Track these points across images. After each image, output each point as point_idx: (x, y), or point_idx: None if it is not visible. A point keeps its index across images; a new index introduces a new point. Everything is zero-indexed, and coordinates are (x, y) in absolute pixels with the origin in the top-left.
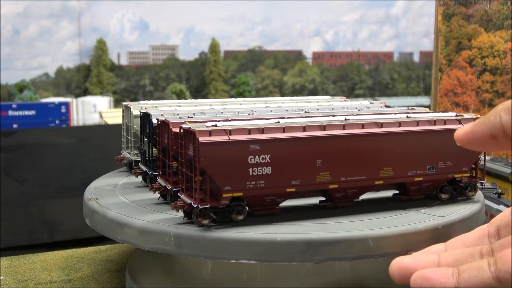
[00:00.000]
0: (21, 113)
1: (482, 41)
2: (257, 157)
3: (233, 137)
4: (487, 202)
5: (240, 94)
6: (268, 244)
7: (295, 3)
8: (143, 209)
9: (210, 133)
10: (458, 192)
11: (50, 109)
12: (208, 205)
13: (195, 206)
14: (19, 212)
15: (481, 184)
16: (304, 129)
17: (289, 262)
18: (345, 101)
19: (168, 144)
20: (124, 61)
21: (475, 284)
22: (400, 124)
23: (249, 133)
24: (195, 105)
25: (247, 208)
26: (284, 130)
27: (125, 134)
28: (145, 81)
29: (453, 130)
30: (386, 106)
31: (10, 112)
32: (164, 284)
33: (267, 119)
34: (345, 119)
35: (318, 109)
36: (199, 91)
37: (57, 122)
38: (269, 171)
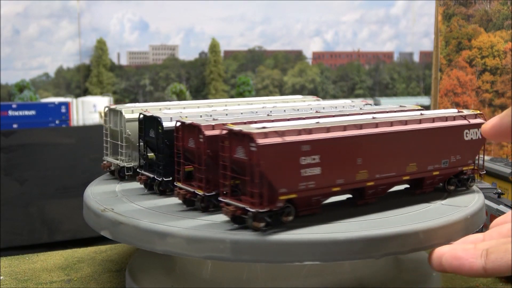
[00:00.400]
0: (21, 113)
1: (482, 41)
2: (308, 157)
3: (287, 138)
4: (487, 202)
5: (240, 94)
6: (330, 243)
7: (295, 3)
8: (170, 216)
9: (266, 135)
10: (461, 183)
11: (50, 109)
12: (267, 209)
13: (251, 210)
14: (19, 212)
15: (481, 175)
16: (345, 128)
17: (350, 260)
18: (318, 100)
19: (197, 148)
20: (124, 61)
21: (500, 266)
22: (420, 121)
23: (299, 134)
24: (184, 107)
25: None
26: (328, 130)
27: (109, 139)
28: (145, 81)
29: (461, 126)
30: (367, 104)
31: (10, 112)
32: (164, 284)
33: (303, 118)
34: (373, 118)
35: (311, 108)
36: (199, 91)
37: (57, 122)
38: (318, 172)
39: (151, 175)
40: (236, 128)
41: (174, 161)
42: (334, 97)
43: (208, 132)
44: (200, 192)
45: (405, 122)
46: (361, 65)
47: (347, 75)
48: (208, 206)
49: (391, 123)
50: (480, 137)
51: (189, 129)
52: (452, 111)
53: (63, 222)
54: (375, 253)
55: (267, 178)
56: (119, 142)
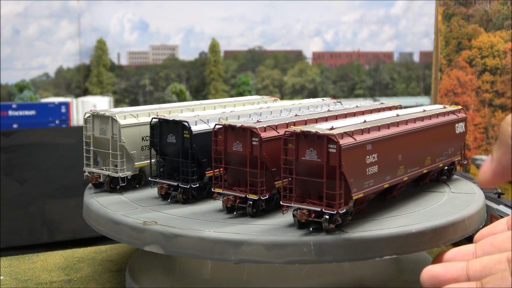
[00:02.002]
0: (21, 113)
1: (482, 41)
2: (370, 156)
3: (358, 138)
4: (487, 202)
5: (240, 94)
6: (405, 236)
7: (295, 3)
8: (223, 223)
9: (343, 135)
10: (450, 173)
11: (50, 109)
12: (345, 210)
13: (331, 212)
14: (19, 212)
15: (461, 165)
16: (388, 126)
17: (420, 251)
18: (276, 100)
19: (249, 151)
20: (124, 61)
21: None
22: (430, 117)
23: (362, 133)
24: (169, 111)
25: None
26: (379, 128)
27: (94, 148)
28: (145, 81)
29: (454, 120)
30: (337, 102)
31: (10, 112)
32: (164, 284)
33: (346, 117)
34: (397, 115)
35: (300, 109)
36: (199, 91)
37: (57, 122)
38: (376, 170)
39: (175, 183)
40: (308, 129)
41: (201, 166)
42: (334, 97)
43: (264, 135)
44: (254, 197)
45: (422, 119)
46: (361, 65)
47: (347, 75)
48: (258, 210)
49: (414, 120)
50: (464, 130)
51: (235, 132)
52: (439, 107)
53: (63, 222)
54: (439, 242)
55: (346, 178)
56: (110, 151)
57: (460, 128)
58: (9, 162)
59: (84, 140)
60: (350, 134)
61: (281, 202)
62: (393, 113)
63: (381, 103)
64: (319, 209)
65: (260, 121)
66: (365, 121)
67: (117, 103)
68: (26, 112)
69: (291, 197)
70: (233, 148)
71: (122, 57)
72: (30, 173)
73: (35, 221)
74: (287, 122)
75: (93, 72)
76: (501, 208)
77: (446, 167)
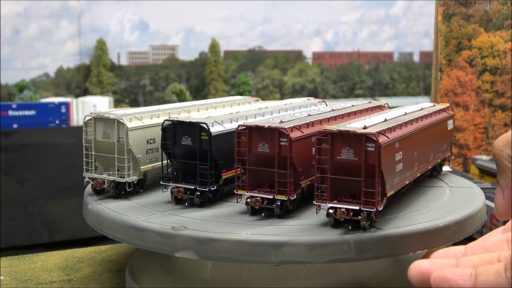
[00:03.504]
0: (21, 113)
1: (482, 41)
2: (398, 154)
3: (390, 136)
4: (487, 202)
5: (240, 94)
6: (434, 231)
7: (295, 3)
8: (252, 225)
9: (379, 134)
10: (440, 168)
11: (50, 109)
12: (382, 207)
13: (370, 210)
14: (19, 212)
15: (449, 161)
16: (406, 124)
17: (445, 245)
18: (258, 100)
19: (278, 152)
20: (124, 61)
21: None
22: (432, 115)
23: (391, 132)
24: (158, 113)
25: None
26: (400, 126)
27: (96, 153)
28: (145, 81)
29: (447, 117)
30: (322, 101)
31: (10, 112)
32: (164, 284)
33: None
34: (405, 113)
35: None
36: (199, 91)
37: (57, 122)
38: (401, 167)
39: (192, 186)
40: (344, 128)
41: (217, 168)
42: (334, 97)
43: (294, 135)
44: (283, 198)
45: (428, 116)
46: (361, 65)
47: (347, 75)
48: (286, 211)
49: (423, 118)
50: (452, 127)
51: (262, 133)
52: (429, 105)
53: (63, 222)
54: (460, 235)
55: (384, 176)
56: (115, 155)
57: (450, 125)
58: (9, 162)
59: (84, 144)
60: (383, 132)
61: (314, 202)
62: (401, 111)
63: (370, 101)
64: (357, 208)
65: (284, 122)
66: (385, 120)
67: (117, 103)
68: (26, 112)
69: (324, 196)
70: (259, 149)
71: (122, 57)
72: (30, 173)
73: (35, 221)
74: (307, 122)
75: (93, 72)
76: None
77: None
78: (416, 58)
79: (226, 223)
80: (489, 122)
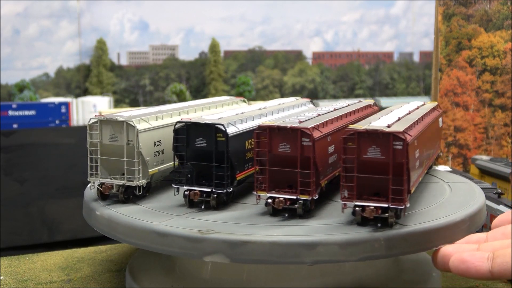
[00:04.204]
0: (21, 113)
1: (482, 41)
2: (416, 151)
3: (412, 134)
4: (487, 202)
5: (240, 94)
6: (453, 225)
7: (295, 3)
8: (278, 226)
9: (406, 132)
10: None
11: (50, 109)
12: (408, 204)
13: (398, 207)
14: (19, 212)
15: (438, 157)
16: (418, 122)
17: (460, 239)
18: (244, 101)
19: (300, 152)
20: (124, 61)
21: (507, 269)
22: (430, 112)
23: (411, 129)
24: (162, 115)
25: None
26: (415, 124)
27: (103, 157)
28: (145, 81)
29: (439, 115)
30: (310, 101)
31: (10, 112)
32: (164, 284)
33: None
34: (409, 112)
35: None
36: (199, 91)
37: (57, 122)
38: (418, 164)
39: (208, 189)
40: (371, 127)
41: (233, 170)
42: (334, 97)
43: (316, 134)
44: (306, 198)
45: (429, 113)
46: (361, 65)
47: (347, 75)
48: (308, 211)
49: (426, 115)
50: (442, 124)
51: (283, 133)
52: (419, 103)
53: (63, 222)
54: (472, 229)
55: (409, 174)
56: (124, 159)
57: (441, 122)
58: (9, 162)
59: (88, 148)
60: (407, 131)
61: (340, 201)
62: (405, 109)
63: (360, 101)
64: (386, 205)
65: (302, 121)
66: (399, 118)
67: (117, 103)
68: (26, 112)
69: (352, 195)
70: (279, 149)
71: (122, 57)
72: (30, 173)
73: (35, 221)
74: (323, 121)
75: (93, 72)
76: (501, 208)
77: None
78: (416, 58)
79: (250, 224)
80: (489, 122)
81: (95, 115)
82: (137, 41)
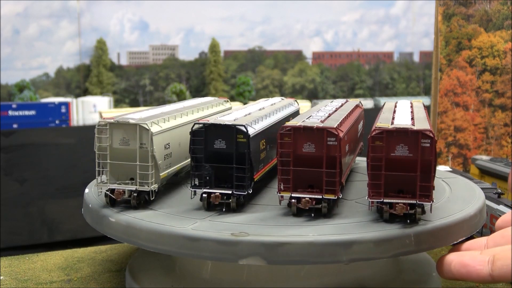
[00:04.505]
0: (21, 113)
1: (482, 41)
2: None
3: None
4: (487, 202)
5: (240, 94)
6: (469, 220)
7: (295, 3)
8: (307, 226)
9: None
10: None
11: (50, 109)
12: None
13: (425, 203)
14: (19, 212)
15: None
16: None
17: (474, 233)
18: (227, 101)
19: (325, 152)
20: (124, 61)
21: (507, 272)
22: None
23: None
24: (168, 117)
25: None
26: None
27: (112, 161)
28: (145, 81)
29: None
30: (294, 101)
31: (10, 112)
32: (164, 284)
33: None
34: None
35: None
36: (199, 91)
37: (57, 122)
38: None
39: (229, 191)
40: (400, 126)
41: (252, 171)
42: (334, 97)
43: (341, 134)
44: (332, 197)
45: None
46: (361, 65)
47: (347, 75)
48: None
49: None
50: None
51: (307, 133)
52: (355, 103)
53: (63, 222)
54: (479, 224)
55: (433, 171)
56: (137, 163)
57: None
58: (9, 162)
59: (97, 152)
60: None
61: (368, 199)
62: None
63: (347, 100)
64: (414, 202)
65: (323, 121)
66: (413, 117)
67: (117, 103)
68: (26, 112)
69: (379, 193)
70: (304, 149)
71: (122, 57)
72: (30, 173)
73: (35, 221)
74: (341, 120)
75: (93, 72)
76: (501, 208)
77: None
78: (416, 58)
79: (280, 225)
80: (489, 122)
81: (103, 118)
82: (137, 41)
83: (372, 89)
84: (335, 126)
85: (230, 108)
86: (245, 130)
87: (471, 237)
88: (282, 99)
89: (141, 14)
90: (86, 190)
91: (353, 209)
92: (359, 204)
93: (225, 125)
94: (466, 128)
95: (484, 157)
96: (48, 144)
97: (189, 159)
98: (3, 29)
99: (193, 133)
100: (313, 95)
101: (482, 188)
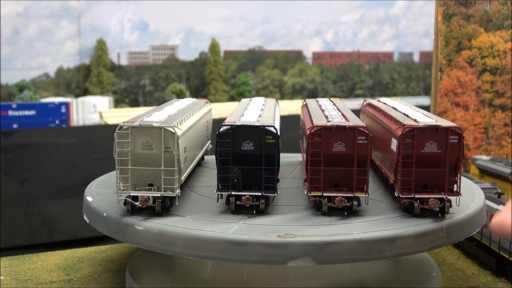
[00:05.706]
0: (21, 113)
1: (482, 41)
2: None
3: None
4: (487, 202)
5: (240, 94)
6: (476, 216)
7: (295, 3)
8: (341, 224)
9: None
10: None
11: (50, 109)
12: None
13: (454, 198)
14: (19, 212)
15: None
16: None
17: (481, 225)
18: (208, 102)
19: (357, 151)
20: (124, 61)
21: None
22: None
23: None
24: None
25: None
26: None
27: (134, 167)
28: (145, 81)
29: None
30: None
31: (10, 112)
32: (164, 284)
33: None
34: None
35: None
36: (199, 91)
37: (57, 122)
38: None
39: (258, 193)
40: (429, 123)
41: (278, 172)
42: (334, 97)
43: (371, 133)
44: (363, 195)
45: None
46: (361, 65)
47: (347, 75)
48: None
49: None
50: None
51: (337, 133)
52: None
53: (63, 222)
54: (483, 222)
55: (461, 167)
56: (162, 168)
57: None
58: (9, 162)
59: (116, 158)
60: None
61: (399, 195)
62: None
63: (330, 99)
64: (443, 197)
65: (349, 120)
66: (434, 119)
67: (117, 103)
68: (26, 112)
69: (410, 189)
70: (334, 149)
71: (122, 57)
72: (30, 173)
73: (35, 221)
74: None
75: (93, 72)
76: (501, 208)
77: None
78: (416, 58)
79: (320, 225)
80: (489, 122)
81: (123, 122)
82: (137, 41)
83: (372, 89)
84: (364, 125)
85: (210, 110)
86: (274, 131)
87: (471, 237)
88: (264, 99)
89: (141, 14)
90: (90, 199)
91: (374, 206)
92: (376, 201)
93: (254, 126)
94: (466, 128)
95: (484, 157)
96: (48, 144)
97: (196, 162)
98: (3, 29)
99: (219, 134)
100: (313, 95)
101: (482, 188)
